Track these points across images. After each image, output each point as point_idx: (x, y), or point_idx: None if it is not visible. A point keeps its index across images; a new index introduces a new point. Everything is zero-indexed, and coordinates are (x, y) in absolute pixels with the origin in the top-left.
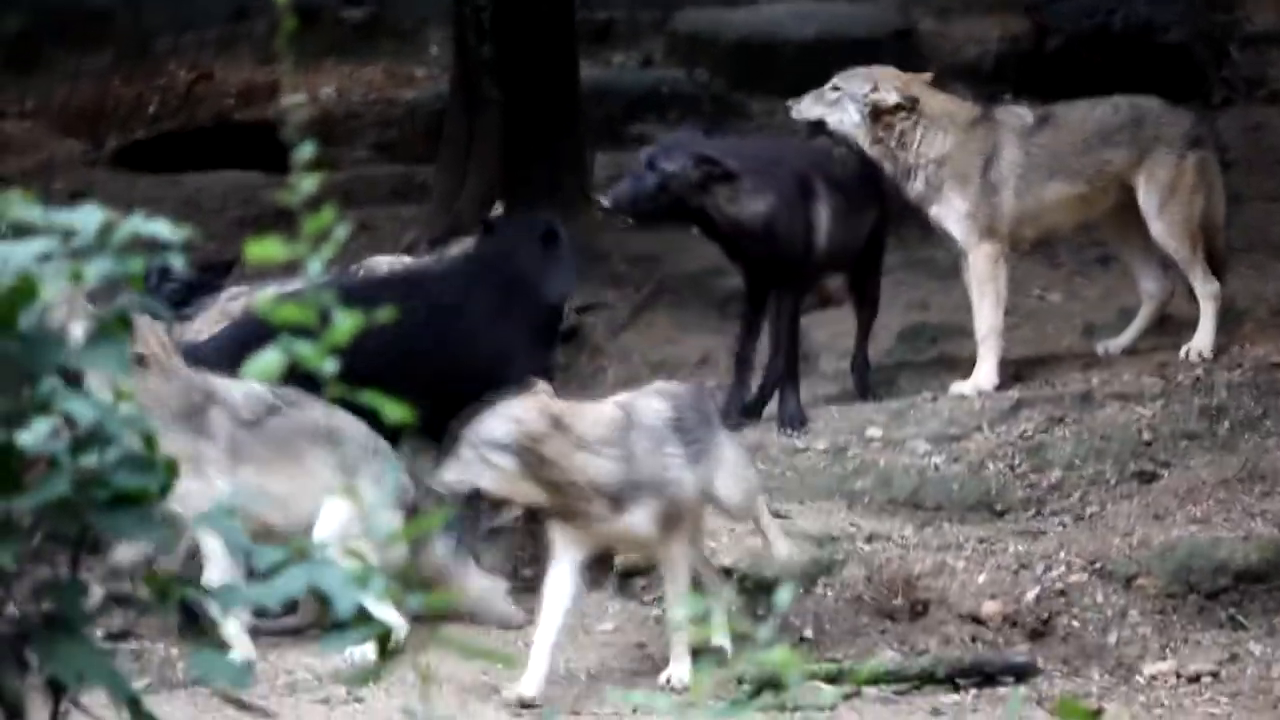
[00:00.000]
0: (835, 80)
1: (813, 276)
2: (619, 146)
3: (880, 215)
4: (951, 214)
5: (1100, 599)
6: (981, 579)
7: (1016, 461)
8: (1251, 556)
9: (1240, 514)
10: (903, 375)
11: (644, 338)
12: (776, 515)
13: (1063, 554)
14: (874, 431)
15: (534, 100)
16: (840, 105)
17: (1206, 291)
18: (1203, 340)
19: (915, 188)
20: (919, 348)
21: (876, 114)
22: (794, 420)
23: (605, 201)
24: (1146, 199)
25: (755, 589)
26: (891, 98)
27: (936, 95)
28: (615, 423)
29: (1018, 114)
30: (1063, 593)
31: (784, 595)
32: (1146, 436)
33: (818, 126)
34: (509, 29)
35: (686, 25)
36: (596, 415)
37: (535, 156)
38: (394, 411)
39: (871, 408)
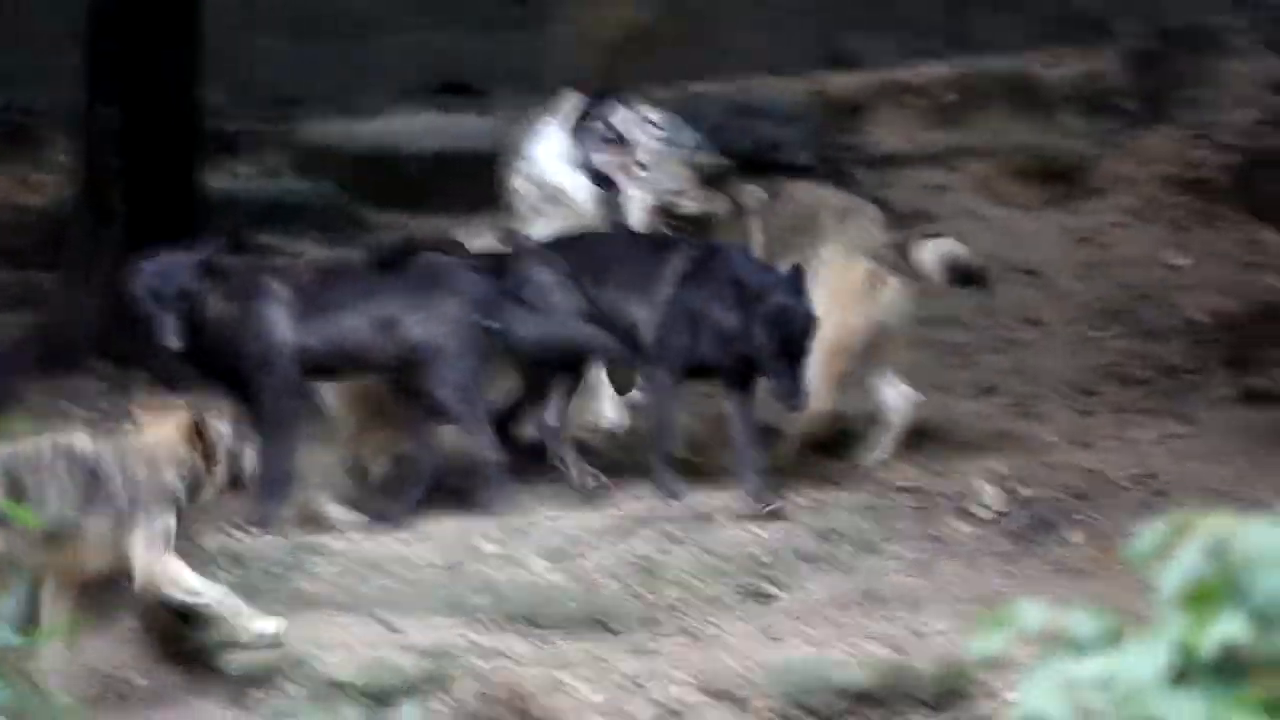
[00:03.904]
0: None
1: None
2: None
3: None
4: None
5: (715, 719)
6: (596, 698)
7: (633, 580)
8: (868, 679)
9: (856, 636)
10: (523, 491)
11: None
12: (390, 629)
13: (677, 673)
14: (490, 547)
15: (160, 211)
16: None
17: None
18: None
19: None
20: (540, 464)
21: None
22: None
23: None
24: None
25: (373, 703)
26: None
27: None
28: None
29: None
30: (677, 713)
31: (410, 713)
32: (764, 558)
33: None
34: (138, 140)
35: (311, 137)
36: None
37: None
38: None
39: (489, 522)
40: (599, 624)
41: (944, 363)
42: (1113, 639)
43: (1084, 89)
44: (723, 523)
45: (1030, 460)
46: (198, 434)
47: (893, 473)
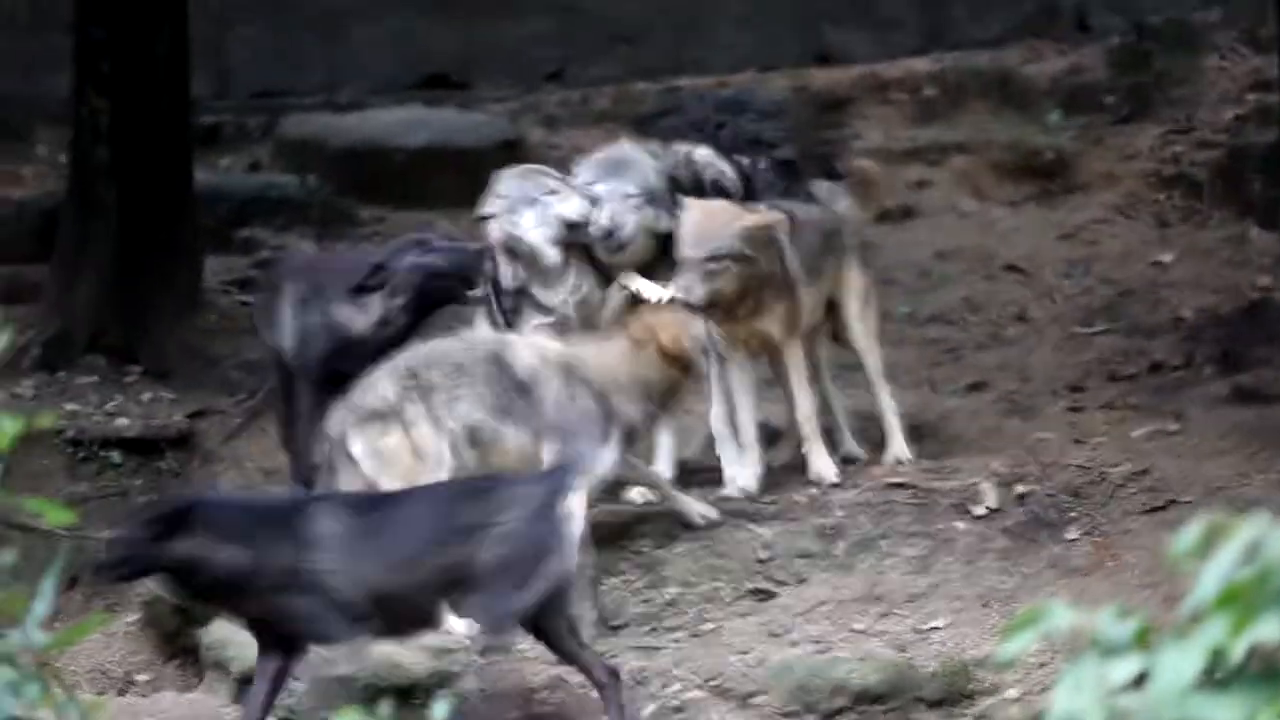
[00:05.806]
0: None
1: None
2: (228, 250)
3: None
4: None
5: (717, 717)
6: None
7: (633, 577)
8: (869, 677)
9: (857, 634)
10: None
11: (257, 444)
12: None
13: (679, 671)
14: None
15: (149, 203)
16: None
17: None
18: (900, 447)
19: None
20: None
21: None
22: None
23: None
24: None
25: (382, 700)
26: None
27: None
28: None
29: None
30: (679, 709)
31: (441, 709)
32: (763, 555)
33: None
34: (127, 132)
35: (295, 130)
36: None
37: (150, 259)
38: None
39: None
40: (600, 622)
41: (932, 360)
42: (1142, 641)
43: (1065, 85)
44: (721, 519)
45: (1025, 457)
46: (678, 349)
47: (888, 470)
